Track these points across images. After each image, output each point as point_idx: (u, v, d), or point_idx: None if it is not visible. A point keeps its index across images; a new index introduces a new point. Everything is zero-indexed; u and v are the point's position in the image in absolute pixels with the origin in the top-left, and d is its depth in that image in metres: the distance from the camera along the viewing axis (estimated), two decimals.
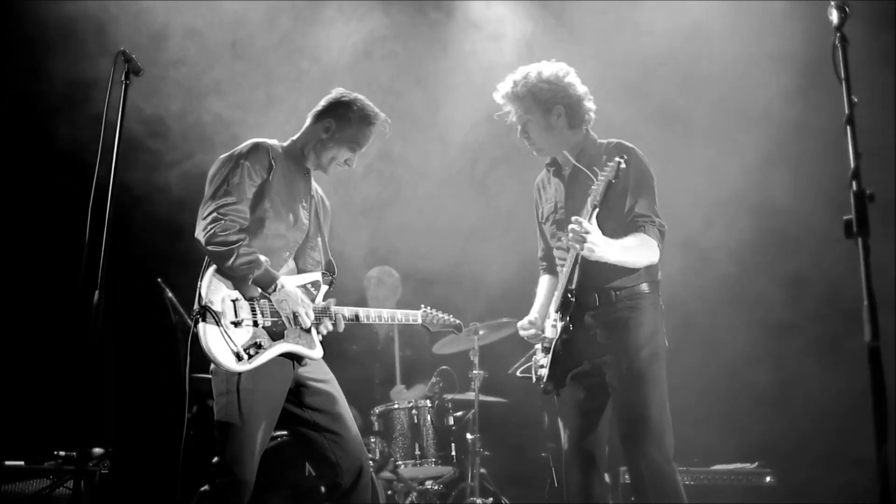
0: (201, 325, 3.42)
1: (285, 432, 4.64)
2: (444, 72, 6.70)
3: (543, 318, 3.93)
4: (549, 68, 3.84)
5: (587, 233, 3.43)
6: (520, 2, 6.70)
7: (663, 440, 3.55)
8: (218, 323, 3.44)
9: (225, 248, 3.45)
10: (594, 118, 3.90)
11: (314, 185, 3.95)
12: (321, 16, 6.49)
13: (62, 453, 5.18)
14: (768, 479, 5.30)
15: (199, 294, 3.49)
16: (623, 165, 3.48)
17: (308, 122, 3.88)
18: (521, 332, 3.93)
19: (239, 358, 3.46)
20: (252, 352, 3.50)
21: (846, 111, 2.51)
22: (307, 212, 3.84)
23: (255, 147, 3.68)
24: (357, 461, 3.70)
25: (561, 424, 3.86)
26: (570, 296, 3.69)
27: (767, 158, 6.02)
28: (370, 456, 5.27)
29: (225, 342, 3.44)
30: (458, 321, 4.28)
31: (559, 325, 3.71)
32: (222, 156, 3.70)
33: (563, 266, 3.79)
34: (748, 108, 6.09)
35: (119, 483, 5.33)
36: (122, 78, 3.57)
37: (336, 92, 3.89)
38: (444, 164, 6.76)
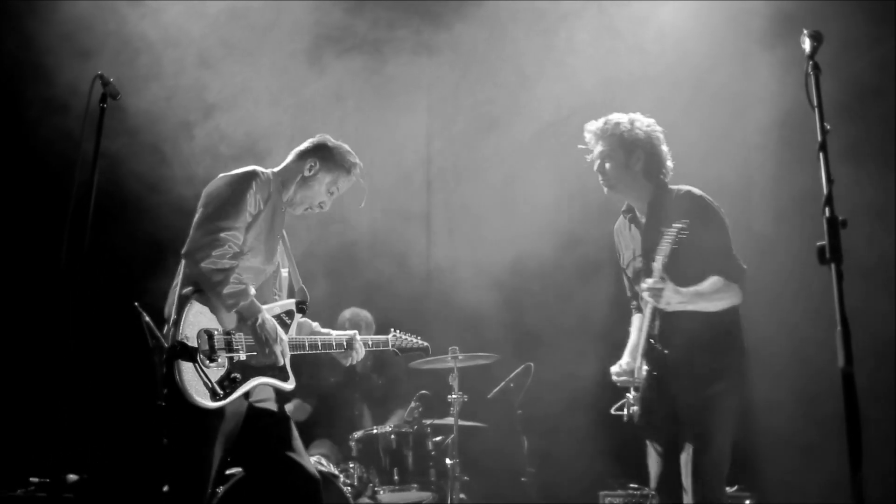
0: (177, 362, 3.35)
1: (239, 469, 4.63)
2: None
3: (635, 360, 4.07)
4: (643, 119, 4.09)
5: (660, 289, 3.68)
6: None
7: (719, 474, 3.75)
8: (194, 360, 3.38)
9: (216, 274, 3.42)
10: (671, 174, 4.10)
11: None
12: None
13: (35, 480, 5.11)
14: (747, 502, 5.30)
15: (175, 328, 3.41)
16: (684, 233, 3.65)
17: (290, 158, 3.93)
18: (614, 378, 4.08)
19: (214, 394, 3.41)
20: (228, 388, 3.46)
21: (819, 138, 2.54)
22: (280, 246, 3.86)
23: (259, 176, 3.69)
24: (309, 479, 3.66)
25: (649, 461, 4.03)
26: (652, 342, 3.90)
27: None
28: (348, 482, 5.23)
29: (201, 379, 3.39)
30: (426, 344, 4.36)
31: (643, 369, 3.92)
32: (226, 175, 3.69)
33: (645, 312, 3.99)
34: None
35: None
36: (99, 102, 3.56)
37: (322, 136, 3.98)
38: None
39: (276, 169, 3.89)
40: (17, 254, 6.19)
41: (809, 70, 2.67)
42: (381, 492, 5.43)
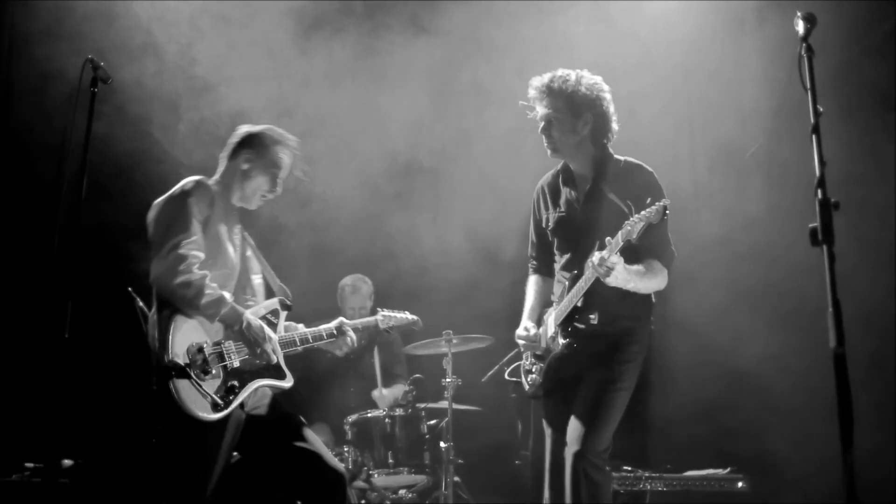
0: (172, 381, 3.36)
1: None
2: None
3: (537, 323, 3.99)
4: (590, 77, 3.90)
5: (613, 265, 3.50)
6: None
7: (605, 447, 3.70)
8: (188, 376, 3.39)
9: (190, 288, 3.42)
10: (614, 139, 3.95)
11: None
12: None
13: (31, 465, 5.11)
14: (740, 484, 5.32)
15: (162, 349, 3.40)
16: (668, 212, 3.46)
17: (224, 162, 3.91)
18: (518, 342, 3.99)
19: (216, 406, 3.44)
20: (229, 397, 3.49)
21: (811, 121, 2.54)
22: (239, 247, 3.85)
23: (198, 184, 3.69)
24: (334, 474, 3.69)
25: (546, 430, 3.93)
26: (575, 313, 3.78)
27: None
28: (343, 465, 5.25)
29: (199, 393, 3.41)
30: (415, 317, 4.38)
31: (560, 339, 3.81)
32: (162, 198, 3.68)
33: (566, 280, 3.87)
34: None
35: (89, 495, 5.27)
36: (90, 86, 3.55)
37: (244, 128, 3.95)
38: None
39: (215, 177, 3.87)
40: (8, 240, 6.16)
41: (802, 52, 2.67)
42: (376, 475, 5.45)
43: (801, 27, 2.73)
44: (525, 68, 6.32)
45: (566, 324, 3.81)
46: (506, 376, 4.06)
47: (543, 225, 4.09)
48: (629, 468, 5.53)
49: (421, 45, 6.41)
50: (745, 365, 5.85)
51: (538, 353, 3.93)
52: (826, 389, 2.40)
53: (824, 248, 2.36)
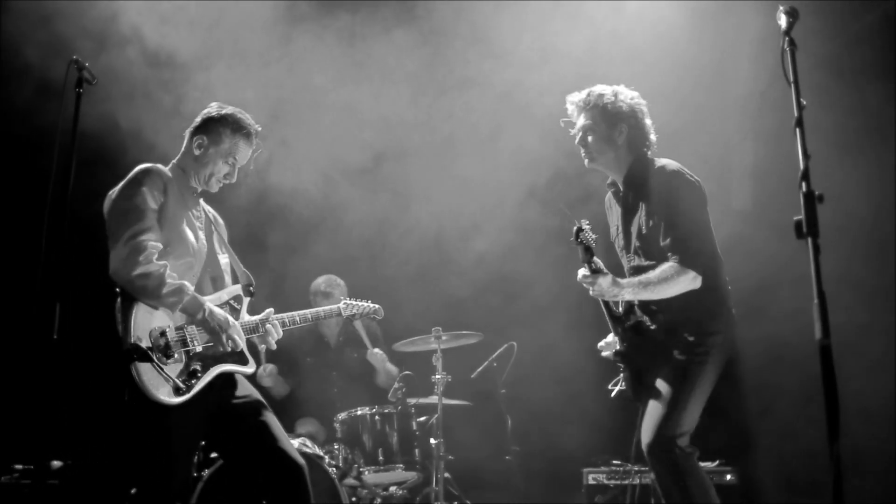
0: (133, 364, 3.32)
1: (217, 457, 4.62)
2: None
3: None
4: (626, 92, 4.02)
5: (591, 283, 3.73)
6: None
7: (682, 437, 3.73)
8: (150, 360, 3.35)
9: (150, 279, 3.38)
10: (654, 146, 4.04)
11: (203, 203, 3.89)
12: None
13: (20, 467, 5.10)
14: (729, 477, 5.35)
15: (125, 333, 3.37)
16: (588, 242, 3.70)
17: (185, 140, 3.83)
18: (601, 353, 4.11)
19: (177, 390, 3.40)
20: (191, 381, 3.46)
21: (795, 114, 2.56)
22: (202, 231, 3.78)
23: (147, 172, 3.60)
24: (293, 466, 3.63)
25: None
26: (616, 320, 3.94)
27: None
28: (333, 463, 5.26)
29: (161, 377, 3.37)
30: (377, 305, 4.43)
31: (615, 349, 3.99)
32: (115, 189, 3.62)
33: None
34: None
35: (78, 496, 5.26)
36: (75, 87, 3.53)
37: (210, 107, 3.84)
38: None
39: (177, 157, 3.81)
40: None
41: (785, 46, 2.69)
42: (367, 472, 5.45)
43: (783, 21, 2.75)
44: (508, 64, 6.38)
45: (614, 331, 3.98)
46: (609, 386, 4.08)
47: (611, 239, 4.21)
48: (618, 462, 5.56)
49: (400, 38, 6.39)
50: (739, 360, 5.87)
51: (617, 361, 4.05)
52: (815, 381, 2.41)
53: (809, 240, 2.38)
